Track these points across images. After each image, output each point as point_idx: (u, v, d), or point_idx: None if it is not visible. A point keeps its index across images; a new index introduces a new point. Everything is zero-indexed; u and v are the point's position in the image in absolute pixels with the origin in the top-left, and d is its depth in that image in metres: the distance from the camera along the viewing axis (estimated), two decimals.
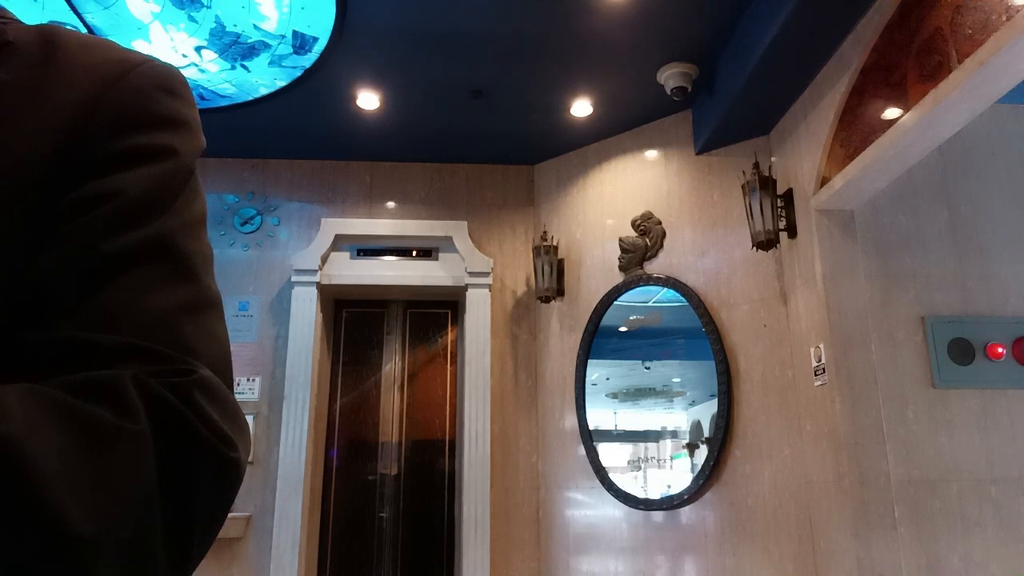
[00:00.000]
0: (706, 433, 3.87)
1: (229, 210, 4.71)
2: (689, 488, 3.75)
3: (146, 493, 0.40)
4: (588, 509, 4.14)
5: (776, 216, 3.51)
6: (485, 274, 4.61)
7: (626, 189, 4.36)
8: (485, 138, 4.56)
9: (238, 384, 4.36)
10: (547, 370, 4.49)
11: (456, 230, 4.70)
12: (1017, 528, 3.06)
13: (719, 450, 3.68)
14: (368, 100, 4.09)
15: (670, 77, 3.77)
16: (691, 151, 4.12)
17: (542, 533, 4.30)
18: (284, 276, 4.59)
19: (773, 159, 3.79)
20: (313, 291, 4.52)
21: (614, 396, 4.35)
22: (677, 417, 4.21)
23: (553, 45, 3.61)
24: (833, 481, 3.13)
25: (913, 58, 2.69)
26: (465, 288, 4.61)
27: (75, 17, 3.29)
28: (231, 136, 4.50)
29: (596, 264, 4.38)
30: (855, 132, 3.08)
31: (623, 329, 4.29)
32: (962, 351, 3.23)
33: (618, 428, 4.35)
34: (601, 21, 3.42)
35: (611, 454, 4.20)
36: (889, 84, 2.85)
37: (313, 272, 4.53)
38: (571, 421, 4.26)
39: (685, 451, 4.02)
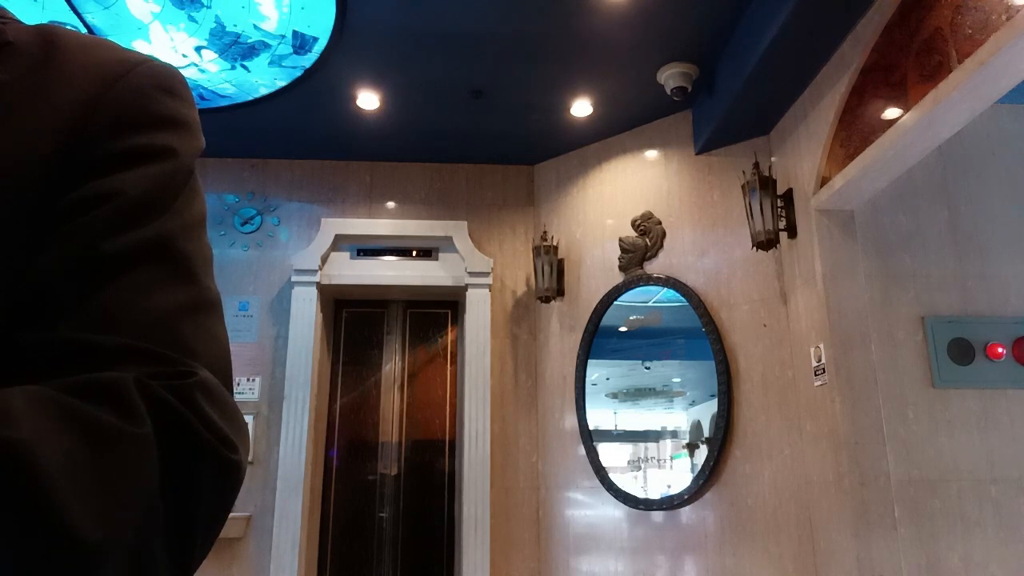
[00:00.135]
0: (706, 433, 3.87)
1: (229, 210, 4.71)
2: (689, 488, 3.75)
3: (150, 496, 0.40)
4: (588, 509, 4.14)
5: (776, 216, 3.51)
6: (485, 274, 4.61)
7: (626, 189, 4.35)
8: (485, 138, 4.56)
9: (238, 384, 4.36)
10: (547, 370, 4.49)
11: (456, 230, 4.70)
12: (1017, 528, 3.06)
13: (719, 450, 3.68)
14: (368, 100, 4.09)
15: (670, 77, 3.77)
16: (691, 151, 4.12)
17: (542, 533, 4.30)
18: (284, 276, 4.59)
19: (773, 159, 3.79)
20: (313, 291, 4.52)
21: (614, 396, 4.35)
22: (677, 417, 4.21)
23: (553, 45, 3.61)
24: (833, 481, 3.13)
25: (913, 58, 2.69)
26: (465, 288, 4.61)
27: (75, 17, 3.29)
28: (231, 136, 4.50)
29: (596, 264, 4.38)
30: (855, 132, 3.08)
31: (623, 329, 4.29)
32: (962, 351, 3.23)
33: (618, 428, 4.35)
34: (601, 21, 3.42)
35: (611, 454, 4.20)
36: (889, 84, 2.85)
37: (313, 272, 4.53)
38: (571, 421, 4.26)
39: (685, 451, 4.02)
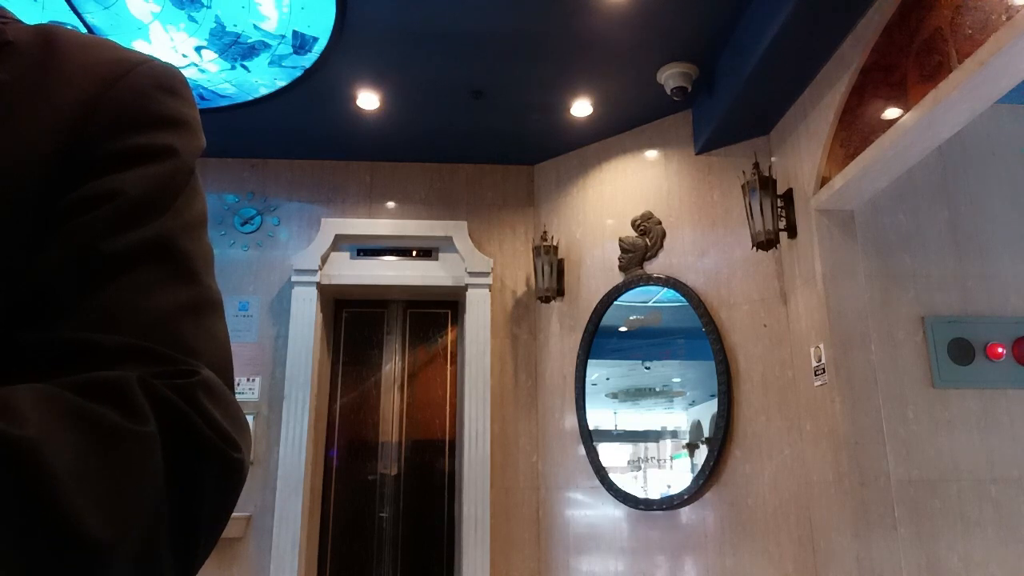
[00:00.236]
0: (706, 433, 3.87)
1: (229, 210, 4.71)
2: (689, 488, 3.75)
3: (155, 495, 0.40)
4: (588, 509, 4.14)
5: (776, 216, 3.51)
6: (485, 274, 4.61)
7: (626, 189, 4.35)
8: (485, 138, 4.56)
9: (238, 384, 4.35)
10: (547, 370, 4.49)
11: (456, 230, 4.70)
12: (1017, 528, 3.06)
13: (719, 450, 3.68)
14: (368, 100, 4.09)
15: (670, 77, 3.77)
16: (691, 151, 4.12)
17: (542, 533, 4.30)
18: (284, 276, 4.59)
19: (773, 159, 3.79)
20: (313, 291, 4.52)
21: (614, 396, 4.35)
22: (677, 417, 4.21)
23: (553, 45, 3.61)
24: (833, 481, 3.13)
25: (913, 58, 2.69)
26: (465, 288, 4.61)
27: (75, 17, 3.29)
28: (231, 136, 4.50)
29: (596, 264, 4.38)
30: (855, 132, 3.08)
31: (623, 329, 4.29)
32: (962, 351, 3.23)
33: (618, 428, 4.35)
34: (601, 21, 3.41)
35: (611, 454, 4.20)
36: (889, 84, 2.85)
37: (313, 272, 4.53)
38: (571, 421, 4.26)
39: (685, 451, 4.02)
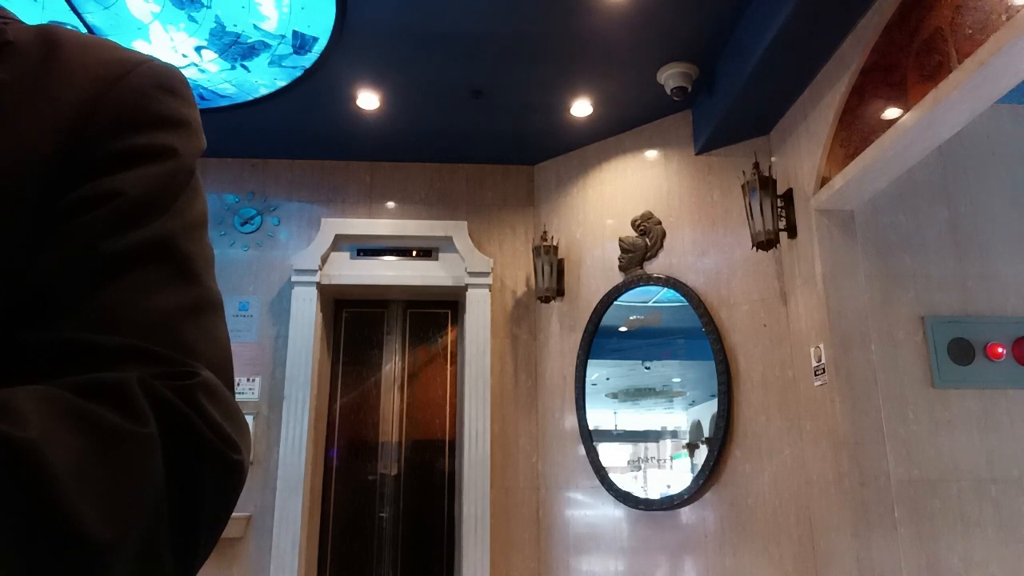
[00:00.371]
0: (706, 433, 3.87)
1: (229, 210, 4.71)
2: (689, 488, 3.75)
3: (155, 496, 0.40)
4: (588, 509, 4.14)
5: (776, 216, 3.51)
6: (485, 274, 4.61)
7: (626, 189, 4.35)
8: (485, 138, 4.56)
9: (238, 384, 4.35)
10: (547, 370, 4.49)
11: (456, 230, 4.70)
12: (1017, 528, 3.06)
13: (719, 450, 3.68)
14: (368, 100, 4.09)
15: (670, 77, 3.77)
16: (691, 151, 4.12)
17: (542, 533, 4.30)
18: (284, 276, 4.59)
19: (773, 159, 3.79)
20: (313, 291, 4.52)
21: (614, 396, 4.35)
22: (677, 417, 4.21)
23: (553, 45, 3.61)
24: (833, 481, 3.13)
25: (913, 58, 2.69)
26: (465, 288, 4.61)
27: (75, 17, 3.29)
28: (231, 136, 4.50)
29: (596, 264, 4.38)
30: (855, 132, 3.08)
31: (623, 329, 4.29)
32: (962, 351, 3.23)
33: (618, 428, 4.35)
34: (601, 21, 3.41)
35: (611, 454, 4.20)
36: (889, 84, 2.85)
37: (313, 272, 4.53)
38: (571, 421, 4.26)
39: (685, 451, 4.02)
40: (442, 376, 4.79)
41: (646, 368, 4.32)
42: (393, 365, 4.79)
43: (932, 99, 2.54)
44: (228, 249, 4.62)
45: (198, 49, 3.59)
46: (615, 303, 4.25)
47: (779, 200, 3.57)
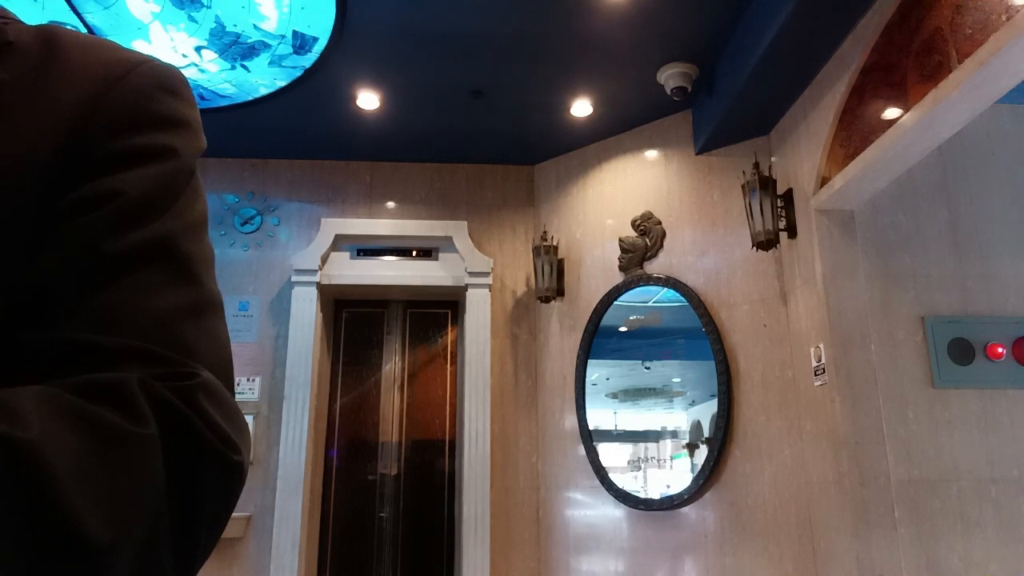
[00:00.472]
0: (706, 433, 3.87)
1: (229, 210, 4.71)
2: (689, 488, 3.75)
3: (156, 497, 0.40)
4: (588, 509, 4.14)
5: (776, 216, 3.51)
6: (485, 274, 4.61)
7: (626, 189, 4.35)
8: (485, 138, 4.56)
9: (238, 384, 4.35)
10: (547, 370, 4.49)
11: (456, 230, 4.70)
12: (1017, 528, 3.06)
13: (719, 450, 3.68)
14: (368, 100, 4.09)
15: (670, 77, 3.77)
16: (691, 151, 4.12)
17: (542, 533, 4.30)
18: (284, 276, 4.59)
19: (773, 159, 3.79)
20: (313, 291, 4.52)
21: (614, 396, 4.35)
22: (677, 417, 4.21)
23: (553, 45, 3.61)
24: (833, 481, 3.13)
25: (913, 58, 2.69)
26: (465, 288, 4.61)
27: (75, 17, 3.29)
28: (231, 136, 4.50)
29: (596, 264, 4.38)
30: (855, 132, 3.08)
31: (623, 329, 4.29)
32: (962, 351, 3.23)
33: (618, 428, 4.35)
34: (601, 21, 3.41)
35: (611, 454, 4.20)
36: (889, 84, 2.85)
37: (313, 272, 4.53)
38: (571, 421, 4.26)
39: (685, 451, 4.02)
40: (442, 376, 4.79)
41: (646, 368, 4.32)
42: (393, 365, 4.79)
43: (932, 99, 2.54)
44: (228, 249, 4.62)
45: (198, 49, 3.59)
46: (615, 303, 4.25)
47: (779, 200, 3.57)
